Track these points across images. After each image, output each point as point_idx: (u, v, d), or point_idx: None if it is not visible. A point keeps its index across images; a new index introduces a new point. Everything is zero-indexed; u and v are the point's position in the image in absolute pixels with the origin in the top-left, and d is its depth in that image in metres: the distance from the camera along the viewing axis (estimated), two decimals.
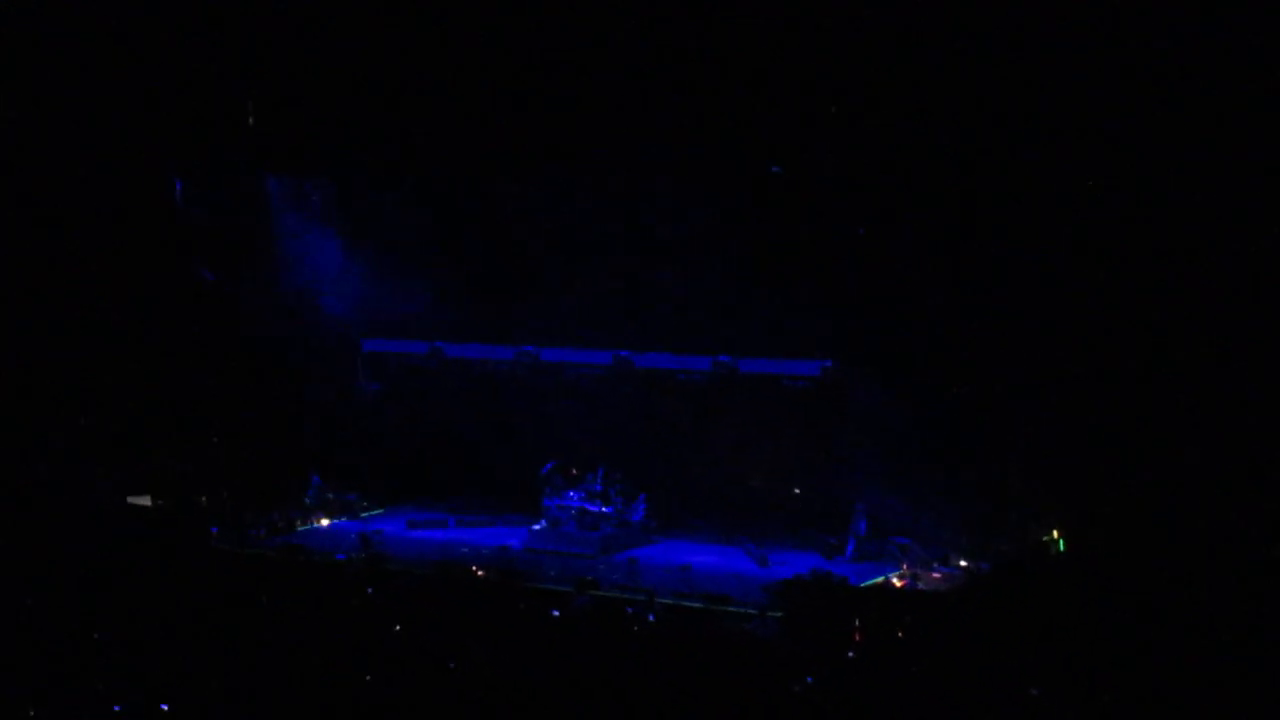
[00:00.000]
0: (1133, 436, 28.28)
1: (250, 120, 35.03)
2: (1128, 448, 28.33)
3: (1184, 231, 27.57)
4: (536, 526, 33.78)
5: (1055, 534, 29.59)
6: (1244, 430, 27.28)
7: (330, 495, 36.22)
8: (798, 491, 34.04)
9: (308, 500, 35.60)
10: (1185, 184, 27.25)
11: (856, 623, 24.43)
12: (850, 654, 22.82)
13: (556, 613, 25.16)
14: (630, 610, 26.22)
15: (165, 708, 18.96)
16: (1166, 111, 27.04)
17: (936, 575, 29.60)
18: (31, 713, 18.76)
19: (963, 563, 30.01)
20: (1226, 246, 27.33)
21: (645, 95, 31.14)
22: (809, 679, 19.99)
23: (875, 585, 29.28)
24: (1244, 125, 26.72)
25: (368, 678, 20.29)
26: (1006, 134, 28.62)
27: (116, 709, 18.94)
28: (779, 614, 26.39)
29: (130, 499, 34.86)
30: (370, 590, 26.59)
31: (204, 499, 35.25)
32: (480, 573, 29.59)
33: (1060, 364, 29.28)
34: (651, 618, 25.53)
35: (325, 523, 35.57)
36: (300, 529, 34.85)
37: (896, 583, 29.44)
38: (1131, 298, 28.24)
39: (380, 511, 36.90)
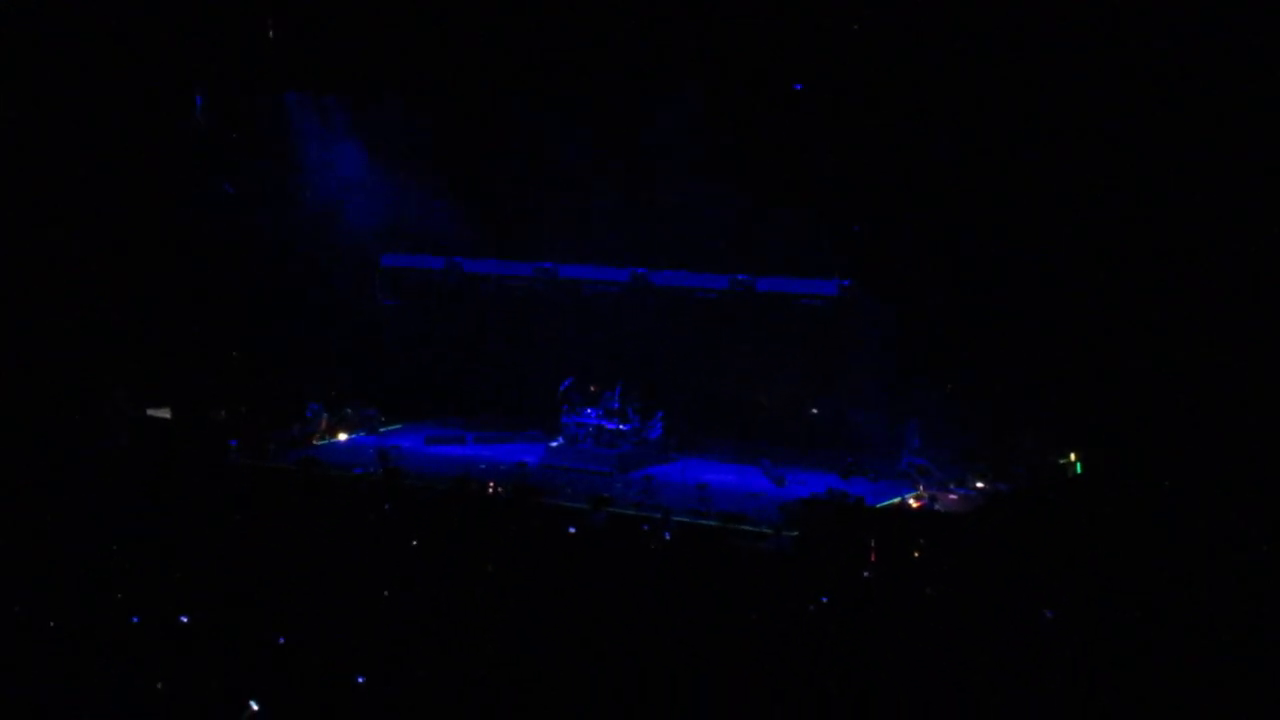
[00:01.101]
0: (1150, 359, 28.25)
1: (270, 35, 34.90)
2: (1145, 370, 28.31)
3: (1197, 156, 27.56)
4: (554, 443, 33.85)
5: (1073, 456, 29.61)
6: (1266, 357, 27.28)
7: (349, 410, 36.33)
8: (815, 411, 34.06)
9: (309, 417, 35.58)
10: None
11: (872, 543, 24.48)
12: (865, 574, 22.89)
13: (573, 530, 25.24)
14: (646, 528, 26.30)
15: (184, 620, 19.06)
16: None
17: (953, 497, 29.64)
18: (51, 623, 18.87)
19: (980, 484, 30.05)
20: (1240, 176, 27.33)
21: (666, 11, 30.97)
22: (823, 599, 20.05)
23: (892, 506, 29.31)
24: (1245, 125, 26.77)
25: (385, 593, 20.39)
26: (1020, 71, 28.58)
27: (135, 620, 19.05)
28: (794, 533, 26.47)
29: (149, 412, 34.99)
30: (387, 505, 26.69)
31: (222, 413, 35.32)
32: (497, 489, 29.69)
33: (1078, 284, 29.24)
34: (667, 535, 25.60)
35: (343, 438, 35.68)
36: (318, 444, 34.95)
37: (913, 504, 29.47)
38: (1151, 224, 28.18)
39: (398, 427, 37.02)
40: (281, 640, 18.35)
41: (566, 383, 34.13)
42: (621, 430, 33.35)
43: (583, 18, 31.73)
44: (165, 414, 35.02)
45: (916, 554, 24.26)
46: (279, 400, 35.89)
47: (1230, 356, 27.59)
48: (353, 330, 37.81)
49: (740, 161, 32.46)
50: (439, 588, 20.76)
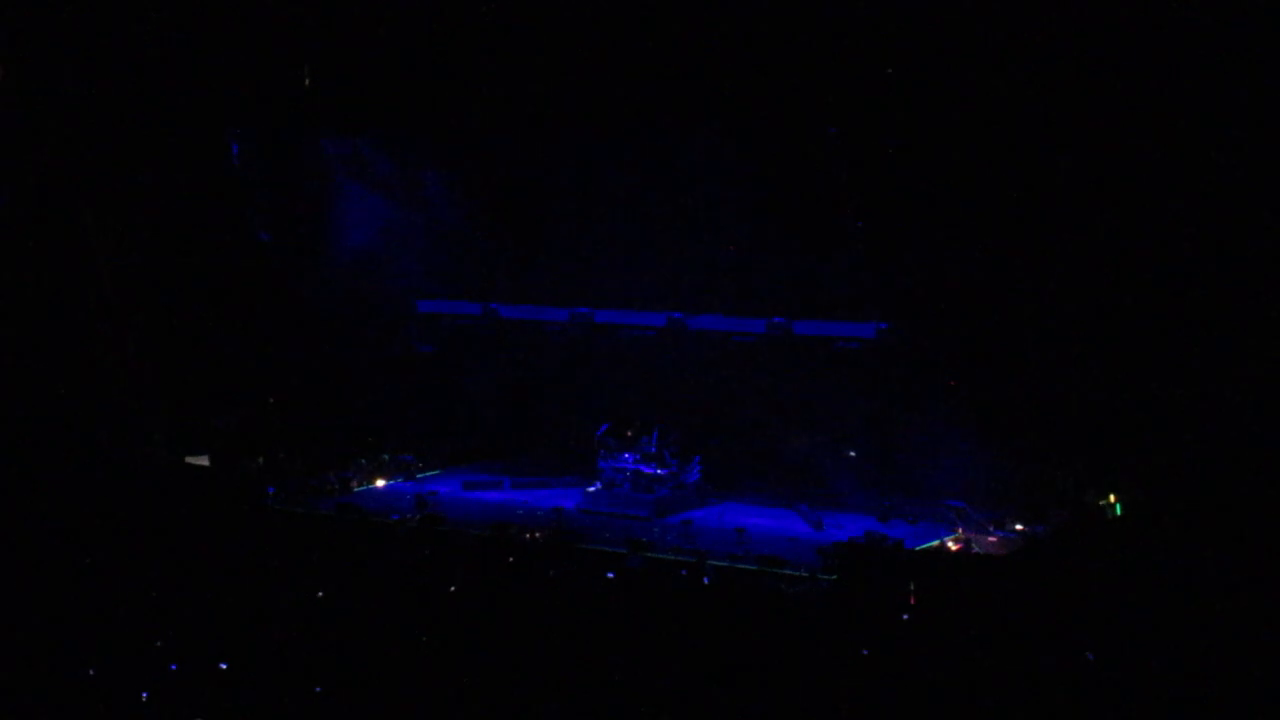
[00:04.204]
0: (1190, 399, 28.10)
1: (306, 81, 35.08)
2: (1185, 411, 28.16)
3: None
4: (591, 488, 33.77)
5: (1112, 498, 29.45)
6: None
7: (386, 456, 36.37)
8: (852, 454, 33.93)
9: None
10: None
11: (911, 586, 24.38)
12: (905, 617, 22.80)
13: (611, 574, 25.20)
14: (684, 572, 26.25)
15: (224, 666, 19.10)
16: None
17: (992, 539, 29.46)
18: (91, 671, 18.93)
19: (1019, 526, 29.88)
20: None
21: (701, 57, 31.05)
22: (864, 651, 19.95)
23: (930, 549, 29.19)
24: None
25: (424, 638, 20.40)
26: (1060, 109, 28.54)
27: (174, 667, 19.10)
28: (833, 577, 26.38)
29: (188, 459, 35.09)
30: (426, 551, 26.72)
31: (261, 459, 35.39)
32: (535, 534, 29.68)
33: (1116, 324, 29.14)
34: (706, 580, 25.55)
35: (381, 484, 35.68)
36: (356, 490, 34.96)
37: (952, 546, 29.33)
38: (1184, 261, 28.07)
39: (436, 473, 37.00)
40: (319, 689, 18.38)
41: (604, 427, 34.10)
42: (659, 475, 33.29)
43: (618, 62, 31.83)
44: (203, 461, 35.11)
45: (956, 597, 24.15)
46: (317, 446, 35.94)
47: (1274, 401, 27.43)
48: (390, 376, 37.85)
49: (776, 205, 32.45)
50: (477, 633, 20.75)
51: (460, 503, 33.42)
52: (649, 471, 33.29)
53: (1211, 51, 26.83)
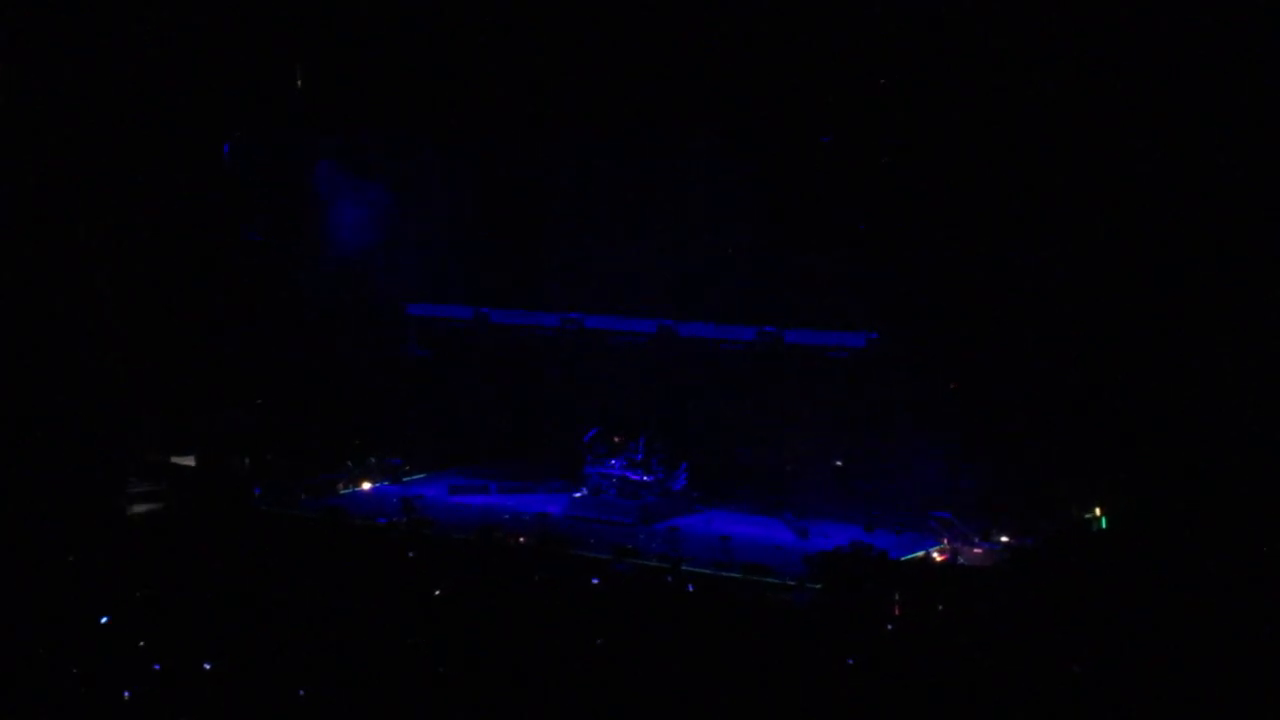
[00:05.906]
0: (1176, 414, 28.15)
1: (298, 82, 35.08)
2: (1170, 425, 28.20)
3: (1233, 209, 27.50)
4: (578, 494, 33.79)
5: (1097, 511, 29.48)
6: None
7: (373, 459, 36.34)
8: (839, 463, 33.94)
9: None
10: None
11: (896, 596, 24.39)
12: (889, 627, 22.80)
13: (595, 580, 25.20)
14: (669, 579, 26.25)
15: (207, 667, 19.07)
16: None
17: (978, 550, 29.48)
18: (75, 670, 18.90)
19: (1004, 538, 29.90)
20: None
21: (693, 64, 31.09)
22: (849, 661, 19.95)
23: (916, 559, 29.19)
24: None
25: (408, 641, 20.37)
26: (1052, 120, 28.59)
27: (156, 667, 19.06)
28: (818, 586, 26.38)
29: (175, 459, 35.04)
30: (411, 554, 26.70)
31: (248, 460, 35.35)
32: (520, 539, 29.67)
33: (1104, 337, 29.19)
34: (690, 587, 25.54)
35: (367, 487, 35.66)
36: (343, 492, 34.94)
37: (937, 557, 29.34)
38: (1176, 277, 28.12)
39: (422, 476, 36.98)
40: (302, 692, 18.35)
41: (591, 433, 34.11)
42: (645, 481, 33.29)
43: (612, 71, 31.89)
44: (190, 461, 35.06)
45: (941, 608, 24.16)
46: (304, 448, 35.90)
47: (1262, 414, 27.47)
48: (379, 379, 37.80)
49: (768, 213, 32.50)
50: (461, 637, 20.73)
51: (446, 507, 33.42)
52: (635, 478, 33.31)
53: (1210, 53, 26.88)
